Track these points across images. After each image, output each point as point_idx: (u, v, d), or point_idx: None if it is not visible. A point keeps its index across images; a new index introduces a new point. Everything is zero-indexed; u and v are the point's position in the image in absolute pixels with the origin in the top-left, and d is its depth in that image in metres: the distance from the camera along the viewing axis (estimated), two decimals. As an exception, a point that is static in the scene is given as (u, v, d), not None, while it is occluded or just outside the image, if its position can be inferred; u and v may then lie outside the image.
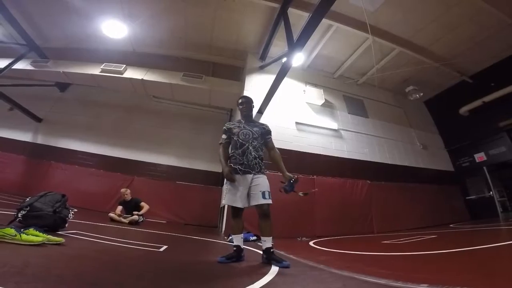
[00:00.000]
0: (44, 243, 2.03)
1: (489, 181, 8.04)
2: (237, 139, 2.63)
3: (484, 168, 8.21)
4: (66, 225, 2.98)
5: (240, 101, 2.85)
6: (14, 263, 1.39)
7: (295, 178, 2.55)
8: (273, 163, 2.76)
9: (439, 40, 7.32)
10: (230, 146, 2.70)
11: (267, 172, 2.66)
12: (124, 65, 7.75)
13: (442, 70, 8.27)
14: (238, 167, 2.52)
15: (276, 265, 2.21)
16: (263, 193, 2.42)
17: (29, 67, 7.94)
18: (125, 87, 8.32)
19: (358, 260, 2.79)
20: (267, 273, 1.91)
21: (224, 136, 2.71)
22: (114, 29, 7.07)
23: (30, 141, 8.74)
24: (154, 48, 8.15)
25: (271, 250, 2.38)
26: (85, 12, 6.95)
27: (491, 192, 7.88)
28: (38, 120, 9.02)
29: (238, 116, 6.88)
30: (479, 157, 8.40)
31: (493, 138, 8.07)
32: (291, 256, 2.69)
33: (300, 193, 2.55)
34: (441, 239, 4.20)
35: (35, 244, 1.97)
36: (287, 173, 2.60)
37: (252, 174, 2.51)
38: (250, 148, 2.58)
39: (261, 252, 2.48)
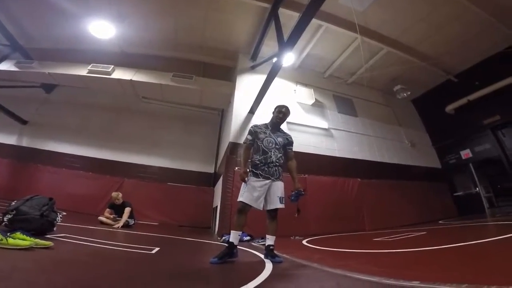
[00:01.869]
0: (31, 247, 1.98)
1: (475, 177, 8.29)
2: (261, 145, 2.76)
3: (470, 164, 8.47)
4: (55, 228, 2.92)
5: (278, 109, 2.92)
6: (1, 267, 1.36)
7: (303, 192, 2.74)
8: (288, 171, 2.92)
9: (426, 39, 7.51)
10: (253, 148, 2.81)
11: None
12: (112, 66, 7.57)
13: (429, 69, 8.49)
14: (259, 172, 2.68)
15: (270, 260, 2.46)
16: (280, 199, 2.65)
17: (13, 68, 7.65)
18: (114, 88, 8.15)
19: (351, 258, 2.83)
20: (261, 273, 1.92)
21: (249, 137, 2.82)
22: (101, 29, 6.93)
23: (15, 144, 8.45)
24: (143, 48, 8.02)
25: (271, 247, 2.61)
26: (71, 12, 6.74)
27: (477, 188, 8.13)
28: (23, 122, 8.73)
29: (231, 116, 6.93)
30: (465, 153, 8.65)
31: (478, 135, 8.33)
32: (284, 255, 2.71)
33: (296, 215, 2.73)
34: (431, 236, 4.28)
35: (23, 248, 1.93)
36: (298, 184, 2.79)
37: (271, 180, 2.68)
38: (272, 156, 2.73)
39: (255, 252, 2.64)
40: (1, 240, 1.93)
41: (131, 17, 6.89)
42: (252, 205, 2.59)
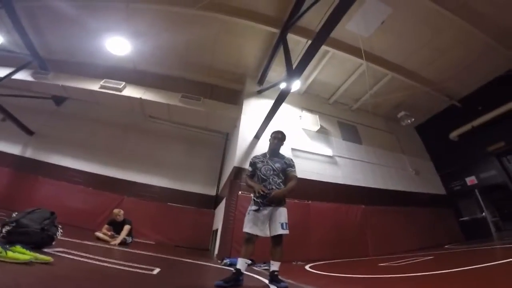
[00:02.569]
0: (31, 261, 1.91)
1: (481, 202, 8.15)
2: (259, 174, 2.82)
3: (476, 190, 8.37)
4: (53, 242, 2.83)
5: (273, 135, 3.00)
6: (4, 281, 1.30)
7: (270, 195, 2.63)
8: None
9: (429, 64, 7.77)
10: (254, 178, 2.88)
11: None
12: (124, 83, 7.77)
13: (433, 95, 8.69)
14: (260, 201, 2.68)
15: (275, 285, 2.45)
16: (282, 225, 2.62)
17: (29, 78, 7.86)
18: (123, 104, 8.32)
19: (357, 283, 2.78)
20: None
21: (250, 169, 2.94)
22: (117, 45, 7.21)
23: (19, 154, 8.43)
24: (155, 66, 8.29)
25: (276, 273, 2.58)
26: (91, 27, 7.07)
27: (483, 213, 7.98)
28: (30, 133, 8.79)
29: (236, 140, 6.98)
30: (470, 180, 8.59)
31: (483, 161, 8.33)
32: (289, 280, 2.64)
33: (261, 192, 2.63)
34: (438, 260, 4.20)
35: (23, 262, 1.86)
36: (277, 191, 2.69)
37: (272, 207, 2.67)
38: (272, 183, 2.74)
39: (258, 277, 2.66)
40: (1, 252, 1.87)
41: (147, 34, 7.19)
42: (257, 234, 2.61)
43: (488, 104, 8.06)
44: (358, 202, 7.02)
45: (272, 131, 3.05)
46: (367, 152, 8.58)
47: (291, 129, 7.70)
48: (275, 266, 2.60)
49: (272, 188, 2.69)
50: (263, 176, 2.78)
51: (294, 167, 2.90)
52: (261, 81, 7.93)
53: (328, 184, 7.19)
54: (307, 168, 7.14)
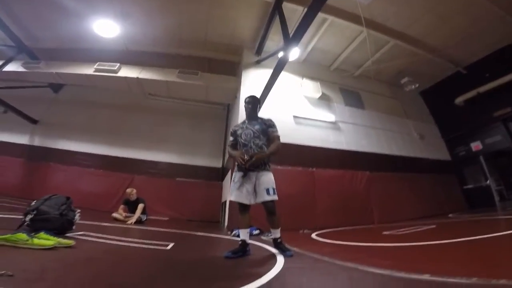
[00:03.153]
0: (55, 246, 2.07)
1: (486, 169, 8.17)
2: (240, 140, 2.76)
3: (481, 156, 8.35)
4: (74, 227, 3.02)
5: (246, 100, 2.92)
6: (32, 268, 1.45)
7: (250, 159, 2.51)
8: None
9: (433, 31, 7.35)
10: (237, 147, 2.81)
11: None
12: (118, 64, 7.64)
13: (437, 62, 8.34)
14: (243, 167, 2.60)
15: (281, 254, 2.45)
16: (267, 190, 2.52)
17: (21, 69, 7.77)
18: (121, 85, 8.24)
19: (361, 251, 2.84)
20: (273, 267, 1.97)
21: (231, 139, 2.88)
22: (106, 28, 6.94)
23: (27, 143, 8.69)
24: (148, 46, 8.04)
25: (278, 240, 2.60)
26: (75, 12, 6.75)
27: (488, 181, 8.02)
28: (34, 122, 8.95)
29: (238, 110, 6.95)
30: (475, 146, 8.54)
31: (489, 127, 8.21)
32: (295, 248, 2.73)
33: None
34: (441, 229, 4.24)
35: (47, 248, 2.01)
36: (259, 154, 2.58)
37: (256, 172, 2.59)
38: (253, 147, 2.67)
39: (265, 246, 2.73)
40: (27, 240, 2.03)
41: (135, 15, 6.88)
42: (242, 202, 2.55)
43: (495, 72, 7.76)
44: (363, 168, 7.09)
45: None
46: (370, 117, 8.46)
47: (292, 97, 7.59)
48: (275, 233, 2.62)
49: (254, 153, 2.59)
50: (244, 142, 2.71)
51: (275, 127, 2.79)
52: (258, 51, 7.67)
53: (332, 151, 7.21)
54: (310, 135, 7.16)
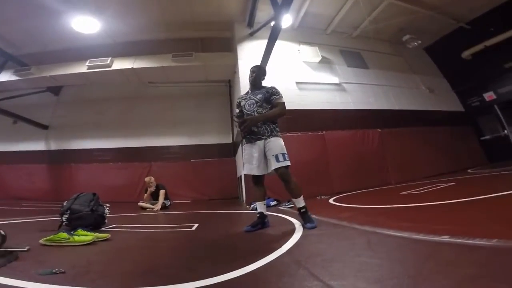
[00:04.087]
0: (94, 241, 2.27)
1: (502, 118, 7.95)
2: (245, 111, 2.71)
3: (495, 106, 8.12)
4: (106, 221, 3.26)
5: (251, 70, 2.87)
6: (79, 263, 1.63)
7: (244, 122, 2.50)
8: None
9: None
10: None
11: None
12: (110, 58, 7.58)
13: (438, 18, 8.04)
14: (251, 136, 2.59)
15: (304, 226, 2.35)
16: (276, 156, 2.43)
17: (14, 77, 7.81)
18: (117, 78, 8.23)
19: (379, 214, 2.82)
20: (292, 236, 2.06)
21: (237, 110, 2.84)
22: (85, 25, 6.76)
23: (45, 149, 9.08)
24: (136, 35, 7.89)
25: (302, 210, 2.44)
26: (48, 12, 6.53)
27: (505, 131, 7.82)
28: (45, 127, 9.23)
29: (239, 85, 6.89)
30: (489, 96, 8.31)
31: (501, 77, 7.94)
32: (314, 215, 2.65)
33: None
34: (460, 187, 4.11)
35: (87, 243, 2.21)
36: (253, 116, 2.58)
37: (263, 140, 2.55)
38: (256, 115, 2.62)
39: (284, 216, 2.74)
40: (69, 239, 2.24)
41: (111, 7, 6.65)
42: (255, 173, 2.51)
43: (499, 26, 7.46)
44: (373, 126, 7.03)
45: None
46: (376, 76, 8.22)
47: (292, 64, 7.41)
48: (298, 202, 2.45)
49: (248, 117, 2.56)
50: (247, 112, 2.66)
51: (278, 94, 2.68)
52: (250, 23, 7.35)
53: (340, 111, 7.15)
54: (316, 99, 7.08)
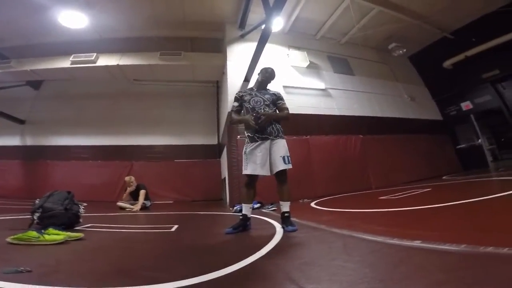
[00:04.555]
0: (66, 240, 2.18)
1: (477, 128, 8.38)
2: (248, 106, 2.66)
3: (471, 115, 8.53)
4: (81, 220, 3.13)
5: (263, 70, 2.86)
6: (48, 262, 1.56)
7: (260, 117, 2.49)
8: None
9: None
10: (242, 113, 2.72)
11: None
12: (95, 54, 7.38)
13: (423, 27, 8.34)
14: (256, 135, 2.55)
15: (285, 229, 2.36)
16: (283, 158, 2.46)
17: None
18: (102, 75, 8.01)
19: (357, 218, 2.91)
20: (272, 238, 2.07)
21: (235, 104, 2.74)
22: (72, 19, 6.55)
23: (20, 144, 8.64)
24: (124, 31, 7.70)
25: (286, 214, 2.48)
26: (34, 5, 6.27)
27: (479, 140, 8.24)
28: (21, 122, 8.80)
29: (226, 86, 6.87)
30: (466, 105, 8.72)
31: (478, 87, 8.36)
32: (294, 218, 2.71)
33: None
34: (435, 193, 4.30)
35: (59, 242, 2.12)
36: (271, 114, 2.59)
37: (270, 140, 2.54)
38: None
39: (266, 218, 2.75)
40: (39, 237, 2.13)
41: (101, 2, 6.47)
42: (259, 174, 2.47)
43: (481, 36, 7.82)
44: (356, 132, 7.22)
45: (262, 68, 2.91)
46: (361, 82, 8.48)
47: (280, 68, 7.43)
48: (284, 206, 2.50)
49: (265, 112, 2.56)
50: (252, 107, 2.62)
51: (284, 100, 2.78)
52: (242, 25, 7.38)
53: (325, 117, 7.29)
54: (302, 103, 7.18)
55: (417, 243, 1.51)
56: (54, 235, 2.22)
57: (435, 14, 7.81)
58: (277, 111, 2.72)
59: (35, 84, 9.12)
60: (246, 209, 2.57)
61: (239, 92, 2.81)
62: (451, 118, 9.24)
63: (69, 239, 2.22)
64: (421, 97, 9.52)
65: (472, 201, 2.77)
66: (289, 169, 2.52)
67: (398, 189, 5.18)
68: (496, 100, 7.94)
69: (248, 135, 2.62)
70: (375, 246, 1.64)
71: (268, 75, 2.82)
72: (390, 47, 8.67)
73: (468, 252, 1.26)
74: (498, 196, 2.88)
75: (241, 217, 2.56)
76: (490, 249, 1.23)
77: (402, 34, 8.60)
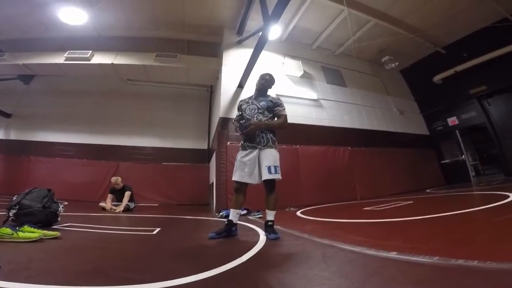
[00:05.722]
0: (41, 238, 2.12)
1: (461, 144, 8.62)
2: (245, 115, 2.71)
3: (457, 131, 8.78)
4: (59, 219, 3.05)
5: (261, 76, 2.86)
6: (18, 259, 1.51)
7: (248, 125, 2.51)
8: None
9: (414, 12, 7.50)
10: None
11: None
12: (91, 51, 7.32)
13: (417, 41, 8.54)
14: (246, 144, 2.58)
15: (267, 237, 2.38)
16: (269, 168, 2.45)
17: None
18: (95, 73, 7.95)
19: (339, 228, 2.93)
20: (254, 245, 2.06)
21: (238, 113, 2.85)
22: (73, 16, 6.51)
23: (3, 138, 8.37)
24: (122, 31, 7.67)
25: (270, 223, 2.50)
26: (37, 1, 6.27)
27: (463, 156, 8.47)
28: (7, 116, 8.54)
29: (220, 91, 6.89)
30: (452, 121, 8.98)
31: (465, 103, 8.63)
32: (279, 227, 2.76)
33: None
34: (416, 205, 4.42)
35: (33, 240, 2.06)
36: (256, 121, 2.59)
37: (258, 149, 2.54)
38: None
39: (251, 226, 2.75)
40: (12, 234, 2.06)
41: (103, 0, 6.46)
42: (246, 181, 2.48)
43: (472, 52, 8.07)
44: (345, 144, 7.32)
45: (261, 74, 2.91)
46: (352, 94, 8.65)
47: (275, 76, 7.52)
48: (269, 215, 2.53)
49: (254, 121, 2.56)
50: (247, 117, 2.65)
51: (283, 106, 2.71)
52: (240, 31, 7.50)
53: (315, 127, 7.39)
54: (293, 113, 7.19)
55: (393, 254, 1.54)
56: (29, 232, 2.17)
57: (430, 28, 8.04)
58: (275, 118, 2.70)
59: (26, 78, 8.90)
60: (233, 214, 2.54)
61: (240, 101, 2.89)
62: (437, 133, 9.48)
63: (44, 238, 2.17)
64: (410, 111, 9.78)
65: (449, 214, 2.87)
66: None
67: (383, 201, 5.26)
68: (481, 116, 8.20)
69: (241, 143, 2.67)
70: (352, 256, 1.66)
71: (264, 81, 2.81)
72: (383, 60, 8.90)
73: (439, 265, 1.30)
74: (473, 210, 3.01)
75: (226, 222, 2.54)
76: (460, 261, 1.26)
77: (395, 47, 8.84)
